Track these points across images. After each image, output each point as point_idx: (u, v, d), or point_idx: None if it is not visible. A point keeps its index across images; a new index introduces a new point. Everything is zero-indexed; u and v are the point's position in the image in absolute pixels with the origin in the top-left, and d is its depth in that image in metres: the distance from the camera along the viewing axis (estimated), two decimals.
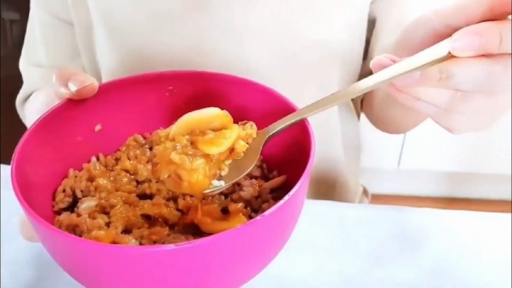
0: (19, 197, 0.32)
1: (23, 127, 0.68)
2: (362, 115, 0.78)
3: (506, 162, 1.52)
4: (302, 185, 0.33)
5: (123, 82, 0.44)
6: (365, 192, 0.82)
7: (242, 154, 0.38)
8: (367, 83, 0.34)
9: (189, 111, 0.39)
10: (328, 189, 0.68)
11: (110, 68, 0.60)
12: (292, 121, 0.38)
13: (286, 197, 0.31)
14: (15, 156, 0.35)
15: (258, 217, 0.30)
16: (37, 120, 0.38)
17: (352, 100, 0.73)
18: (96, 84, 0.40)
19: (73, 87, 0.39)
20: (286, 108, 0.41)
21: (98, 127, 0.44)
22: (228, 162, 0.38)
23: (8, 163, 0.60)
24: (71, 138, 0.42)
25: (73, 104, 0.40)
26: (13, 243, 0.49)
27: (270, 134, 0.39)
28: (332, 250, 0.50)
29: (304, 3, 0.56)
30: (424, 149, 1.56)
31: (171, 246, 0.28)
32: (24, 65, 0.66)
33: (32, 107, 0.45)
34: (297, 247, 0.50)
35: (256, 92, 0.43)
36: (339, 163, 0.67)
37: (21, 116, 0.69)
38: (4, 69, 1.17)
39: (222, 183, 0.37)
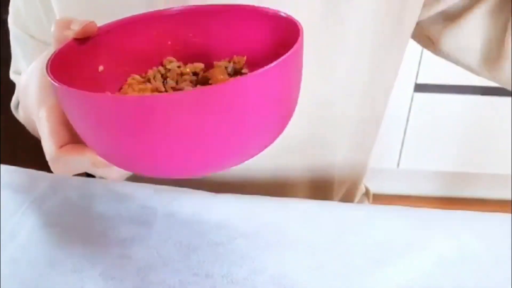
0: (54, 79, 0.34)
1: (22, 127, 0.69)
2: None
3: (506, 162, 1.52)
4: (299, 45, 0.36)
5: (119, 23, 0.46)
6: (367, 193, 0.82)
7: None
8: None
9: (177, 49, 0.45)
10: (323, 189, 0.68)
11: None
12: None
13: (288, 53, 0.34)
14: (49, 64, 0.38)
15: (272, 64, 0.33)
16: (48, 61, 0.40)
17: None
18: (95, 24, 0.42)
19: (76, 26, 0.41)
20: (273, 19, 0.43)
21: (100, 68, 0.46)
22: None
23: (8, 163, 0.60)
24: (78, 78, 0.44)
25: (75, 47, 0.42)
26: (13, 243, 0.49)
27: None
28: (331, 250, 0.50)
29: None
30: (424, 149, 1.56)
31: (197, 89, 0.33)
32: (11, 73, 0.68)
33: (27, 71, 0.48)
34: (296, 247, 0.50)
35: (239, 13, 0.46)
36: (338, 167, 0.67)
37: (17, 118, 0.69)
38: (4, 69, 1.17)
39: None
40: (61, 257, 0.48)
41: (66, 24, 0.42)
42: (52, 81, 0.35)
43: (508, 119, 1.46)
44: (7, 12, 0.64)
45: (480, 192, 1.65)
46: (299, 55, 0.37)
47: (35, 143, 0.69)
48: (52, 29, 0.42)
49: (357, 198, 0.79)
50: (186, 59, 0.49)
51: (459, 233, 0.53)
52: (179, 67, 0.49)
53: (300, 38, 0.37)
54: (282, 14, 0.42)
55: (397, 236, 0.52)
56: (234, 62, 0.48)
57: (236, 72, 0.47)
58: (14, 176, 0.58)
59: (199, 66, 0.48)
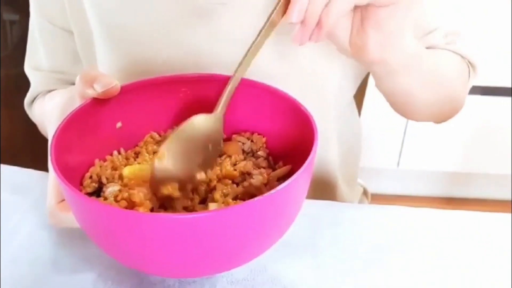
0: (60, 175, 0.35)
1: (22, 127, 0.69)
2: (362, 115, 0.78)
3: (506, 162, 1.52)
4: (306, 170, 0.36)
5: (142, 83, 0.47)
6: (365, 192, 0.82)
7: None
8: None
9: (201, 111, 0.44)
10: (322, 189, 0.68)
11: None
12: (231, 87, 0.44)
13: (291, 178, 0.34)
14: (52, 145, 0.39)
15: (268, 193, 0.33)
16: (67, 116, 0.41)
17: (354, 97, 0.73)
18: (119, 85, 0.43)
19: (99, 88, 0.42)
20: (294, 109, 0.44)
21: (119, 125, 0.47)
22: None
23: (8, 163, 0.60)
24: (96, 133, 0.45)
25: (97, 103, 0.44)
26: (13, 243, 0.49)
27: (219, 113, 0.44)
28: (331, 250, 0.50)
29: None
30: (424, 149, 1.56)
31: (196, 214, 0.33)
32: (27, 69, 0.68)
33: (52, 102, 0.49)
34: (296, 247, 0.50)
35: (265, 93, 0.47)
36: (333, 163, 0.67)
37: (29, 115, 0.69)
38: (4, 69, 1.18)
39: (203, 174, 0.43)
40: (61, 257, 0.48)
41: (90, 81, 0.42)
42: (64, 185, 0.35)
43: (508, 119, 1.46)
44: (7, 12, 0.64)
45: (480, 192, 1.65)
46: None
47: (35, 143, 0.70)
48: (76, 81, 0.43)
49: (356, 198, 0.79)
50: None
51: (459, 233, 0.53)
52: None
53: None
54: (303, 109, 0.43)
55: (396, 236, 0.52)
56: (252, 141, 0.48)
57: (252, 152, 0.48)
58: (14, 176, 0.58)
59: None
